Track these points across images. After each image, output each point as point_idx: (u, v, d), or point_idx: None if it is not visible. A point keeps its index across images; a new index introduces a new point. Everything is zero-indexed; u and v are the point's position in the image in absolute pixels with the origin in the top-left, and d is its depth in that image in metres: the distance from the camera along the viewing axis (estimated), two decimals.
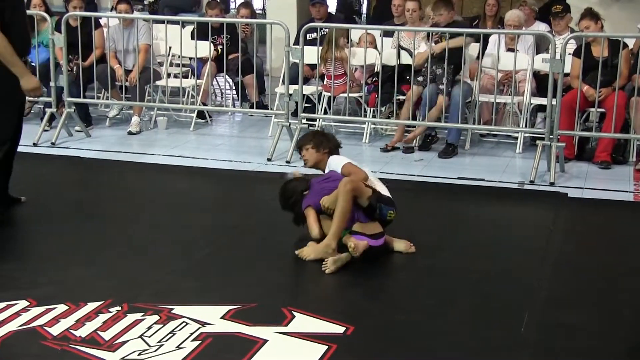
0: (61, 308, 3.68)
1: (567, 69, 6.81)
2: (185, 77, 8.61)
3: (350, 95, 7.69)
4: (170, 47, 8.44)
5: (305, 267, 4.34)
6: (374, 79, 7.54)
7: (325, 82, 7.89)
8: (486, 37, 7.74)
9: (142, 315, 3.61)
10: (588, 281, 4.22)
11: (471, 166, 6.82)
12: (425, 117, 7.13)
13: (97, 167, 6.62)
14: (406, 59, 7.56)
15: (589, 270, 4.39)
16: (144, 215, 5.26)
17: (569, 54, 6.98)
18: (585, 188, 6.14)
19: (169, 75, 8.51)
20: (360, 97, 7.81)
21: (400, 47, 7.67)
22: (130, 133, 7.88)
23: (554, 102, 6.48)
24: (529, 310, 3.79)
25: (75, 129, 7.86)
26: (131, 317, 3.59)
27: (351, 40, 7.84)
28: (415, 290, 4.11)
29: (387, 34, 8.06)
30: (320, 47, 7.56)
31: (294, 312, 3.68)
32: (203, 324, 3.55)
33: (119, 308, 3.68)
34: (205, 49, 7.99)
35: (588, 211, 5.59)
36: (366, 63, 7.46)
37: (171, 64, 8.89)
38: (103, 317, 3.59)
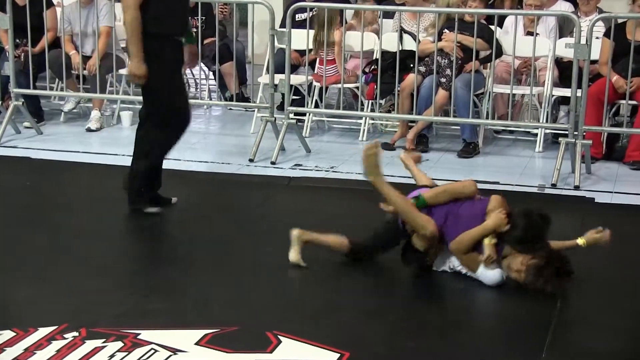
0: (7, 335, 3.64)
1: (594, 56, 6.82)
2: None
3: (345, 85, 7.69)
4: None
5: (294, 285, 4.34)
6: (373, 67, 7.54)
7: (316, 71, 7.88)
8: (502, 18, 7.77)
9: (103, 342, 3.59)
10: (619, 300, 4.23)
11: (484, 167, 6.83)
12: (421, 112, 7.15)
13: (50, 169, 6.60)
14: (409, 45, 7.57)
15: (620, 287, 4.39)
16: (105, 225, 5.24)
17: (597, 37, 6.99)
18: (615, 192, 6.16)
19: None
20: (357, 87, 7.81)
21: (402, 31, 7.68)
22: (89, 130, 7.86)
23: (578, 94, 6.50)
24: (551, 332, 3.79)
25: (24, 125, 7.83)
26: (90, 344, 3.56)
27: (346, 21, 7.85)
28: (419, 311, 4.11)
29: (388, 15, 8.07)
30: (311, 30, 7.55)
31: (280, 337, 3.66)
32: (175, 351, 3.53)
33: (75, 334, 3.66)
34: None
35: (618, 219, 5.58)
36: (363, 49, 7.46)
37: None
38: (57, 345, 3.56)
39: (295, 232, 4.60)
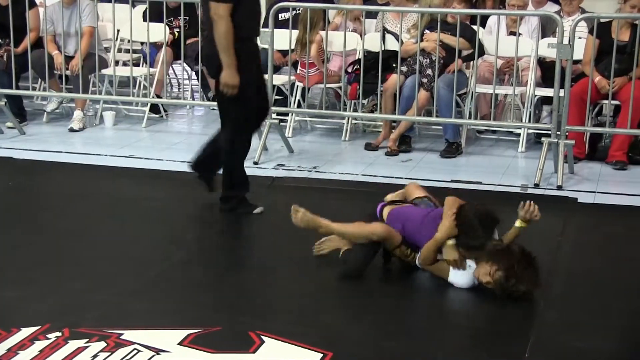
0: None
1: (577, 56, 6.86)
2: (137, 65, 8.59)
3: (328, 86, 7.70)
4: (118, 31, 8.41)
5: (277, 285, 4.34)
6: (355, 67, 7.56)
7: (298, 71, 7.89)
8: (485, 18, 7.80)
9: (86, 342, 3.58)
10: (602, 300, 4.25)
11: (467, 167, 6.85)
12: (404, 112, 7.17)
13: (33, 169, 6.58)
14: (392, 45, 7.59)
15: (603, 286, 4.41)
16: (88, 226, 5.23)
17: (579, 37, 7.03)
18: (598, 192, 6.20)
19: (117, 62, 8.48)
20: (339, 87, 7.82)
21: (385, 31, 7.70)
22: (72, 130, 7.84)
23: (561, 94, 6.53)
24: (534, 333, 3.81)
25: (6, 125, 7.80)
26: (73, 345, 3.55)
27: (329, 21, 7.85)
28: (403, 311, 4.12)
29: (370, 15, 8.09)
30: (294, 30, 7.56)
31: (262, 337, 3.66)
32: (158, 351, 3.53)
33: (58, 334, 3.65)
34: (159, 32, 7.97)
35: (601, 219, 5.63)
36: (346, 49, 7.47)
37: (120, 50, 8.86)
38: (40, 345, 3.55)
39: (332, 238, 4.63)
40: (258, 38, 5.63)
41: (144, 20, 8.12)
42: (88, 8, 7.92)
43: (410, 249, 4.47)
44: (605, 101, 7.00)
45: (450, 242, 4.29)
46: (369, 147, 7.31)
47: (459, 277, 4.28)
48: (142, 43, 8.47)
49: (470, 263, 4.28)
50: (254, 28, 5.45)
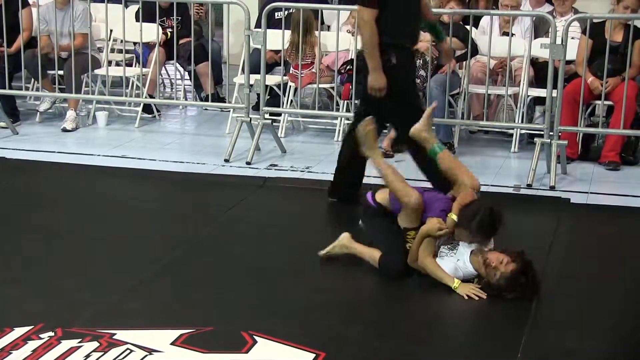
0: None
1: (570, 56, 6.88)
2: (129, 65, 8.58)
3: (321, 86, 7.71)
4: (111, 31, 8.40)
5: (270, 285, 4.35)
6: (348, 67, 7.56)
7: (291, 71, 7.90)
8: (478, 18, 7.81)
9: (79, 342, 3.58)
10: (594, 300, 4.26)
11: None
12: None
13: (26, 169, 6.57)
14: None
15: (595, 287, 4.43)
16: (80, 226, 5.23)
17: (572, 38, 7.05)
18: (591, 193, 6.21)
19: (110, 63, 8.47)
20: (332, 88, 7.83)
21: None
22: (64, 130, 7.83)
23: (554, 94, 6.55)
24: (526, 333, 3.82)
25: None
26: (66, 344, 3.56)
27: (322, 22, 7.86)
28: (396, 312, 4.13)
29: None
30: (286, 30, 7.56)
31: (255, 337, 3.67)
32: (150, 351, 3.54)
33: (51, 334, 3.65)
34: (152, 32, 7.96)
35: (594, 219, 5.65)
36: (339, 49, 7.48)
37: (112, 50, 8.85)
38: (32, 345, 3.55)
39: (344, 237, 4.64)
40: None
41: (137, 20, 8.10)
42: (82, 14, 7.91)
43: None
44: (598, 101, 7.02)
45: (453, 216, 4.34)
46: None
47: (443, 263, 4.29)
48: (134, 43, 8.46)
49: (463, 250, 4.30)
50: (407, 35, 5.41)
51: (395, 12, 5.25)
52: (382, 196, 4.62)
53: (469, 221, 4.29)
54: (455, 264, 4.28)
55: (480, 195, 4.58)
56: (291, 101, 7.96)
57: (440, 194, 4.59)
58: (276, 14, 7.82)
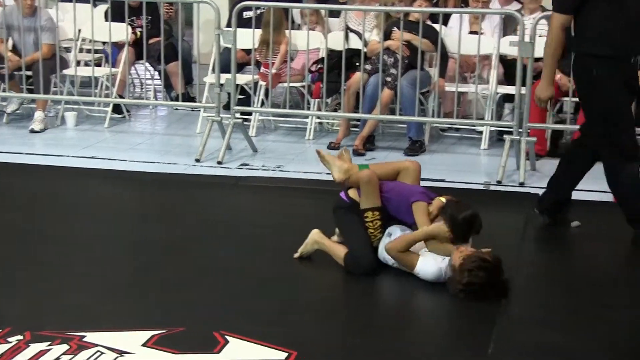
0: None
1: (538, 53, 6.90)
2: (98, 65, 8.52)
3: (291, 85, 7.70)
4: (79, 30, 8.33)
5: (242, 285, 4.33)
6: (319, 66, 7.56)
7: (261, 70, 7.88)
8: (447, 17, 7.84)
9: (48, 345, 3.55)
10: (564, 295, 4.29)
11: (430, 165, 6.86)
12: (368, 111, 7.19)
13: None
14: (355, 43, 7.60)
15: (565, 282, 4.46)
16: (50, 227, 5.18)
17: (540, 35, 7.08)
18: None
19: (78, 63, 8.40)
20: (303, 87, 7.82)
21: (348, 29, 7.71)
22: (32, 131, 7.76)
23: (523, 91, 6.58)
24: (496, 329, 3.83)
25: None
26: (35, 348, 3.53)
27: (292, 21, 7.84)
28: (367, 309, 4.13)
29: (333, 14, 8.09)
30: (257, 29, 7.55)
31: (227, 337, 3.66)
32: (121, 353, 3.51)
33: (19, 337, 3.61)
34: (121, 32, 7.91)
35: (563, 214, 5.67)
36: (309, 48, 7.48)
37: (81, 50, 8.79)
38: (0, 349, 3.51)
39: (314, 233, 4.65)
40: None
41: (106, 19, 8.06)
42: (48, 23, 7.85)
43: (381, 222, 4.48)
44: (566, 98, 7.06)
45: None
46: (330, 146, 7.31)
47: (428, 267, 4.28)
48: (103, 43, 8.40)
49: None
50: (618, 47, 4.68)
51: (606, 16, 4.65)
52: (354, 192, 4.62)
53: (456, 213, 4.33)
54: (439, 265, 4.26)
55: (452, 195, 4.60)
56: (262, 100, 7.94)
57: (411, 184, 4.64)
58: (246, 13, 7.80)
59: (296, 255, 4.65)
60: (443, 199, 4.44)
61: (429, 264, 4.28)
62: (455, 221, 4.33)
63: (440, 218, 4.40)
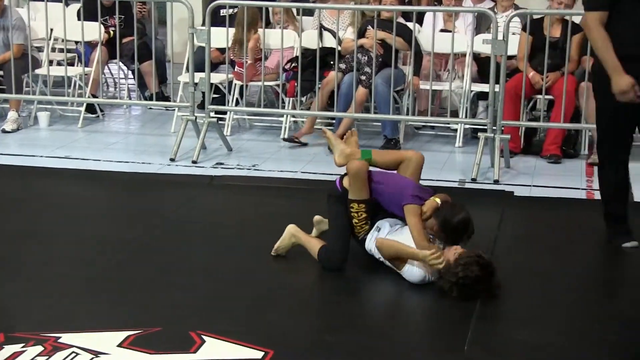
0: None
1: (511, 51, 6.95)
2: (71, 64, 8.47)
3: (266, 83, 7.69)
4: (51, 30, 8.28)
5: (218, 284, 4.32)
6: (293, 65, 7.56)
7: (236, 69, 7.87)
8: (421, 15, 7.86)
9: (22, 347, 3.52)
10: (539, 292, 4.31)
11: None
12: (343, 109, 7.20)
13: None
14: (329, 42, 7.60)
15: (540, 279, 4.47)
16: (24, 227, 5.15)
17: (513, 33, 7.12)
18: (534, 186, 6.28)
19: (50, 62, 8.35)
20: (278, 85, 7.82)
21: (322, 28, 7.71)
22: (4, 131, 7.70)
23: (496, 89, 6.61)
24: (472, 326, 3.84)
25: None
26: (9, 350, 3.49)
27: (268, 21, 7.85)
28: (344, 307, 4.13)
29: (308, 12, 8.08)
30: (231, 28, 7.53)
31: (203, 337, 3.65)
32: (96, 353, 3.49)
33: None
34: (94, 31, 7.87)
35: (537, 211, 5.71)
36: (283, 46, 7.47)
37: (53, 49, 8.73)
38: None
39: (290, 228, 4.64)
40: None
41: (78, 19, 8.01)
42: (18, 22, 7.78)
43: (366, 215, 4.47)
44: (539, 96, 7.10)
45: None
46: (288, 139, 7.32)
47: (415, 269, 4.26)
48: (76, 42, 8.35)
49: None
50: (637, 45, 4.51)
51: (629, 15, 4.48)
52: (347, 181, 4.60)
53: (450, 217, 4.33)
54: (425, 268, 4.25)
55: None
56: (237, 99, 7.92)
57: (406, 179, 4.61)
58: (221, 11, 7.78)
59: (273, 251, 4.64)
60: (438, 200, 4.42)
61: (415, 269, 4.27)
62: (448, 225, 4.32)
63: (434, 219, 4.39)
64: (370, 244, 4.47)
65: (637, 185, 5.82)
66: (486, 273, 4.13)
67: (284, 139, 7.38)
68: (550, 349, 3.68)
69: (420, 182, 4.68)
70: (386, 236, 4.41)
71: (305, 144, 7.30)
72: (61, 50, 8.53)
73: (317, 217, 4.84)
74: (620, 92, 4.49)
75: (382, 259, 4.41)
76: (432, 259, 4.16)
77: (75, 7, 8.50)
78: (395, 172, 4.69)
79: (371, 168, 4.59)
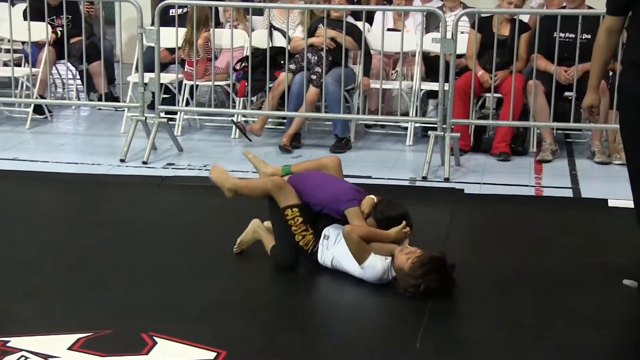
0: None
1: (460, 50, 7.01)
2: (18, 65, 8.37)
3: (216, 83, 7.66)
4: None
5: (169, 286, 4.29)
6: (243, 65, 7.54)
7: (186, 69, 7.83)
8: (370, 14, 7.89)
9: None
10: (490, 289, 4.34)
11: (357, 162, 6.91)
12: (295, 109, 7.21)
13: None
14: (279, 41, 7.60)
15: (491, 276, 4.51)
16: None
17: (462, 32, 7.19)
18: (483, 183, 6.34)
19: None
20: (228, 85, 7.79)
21: (272, 28, 7.71)
22: None
23: (446, 87, 6.66)
24: (424, 324, 3.87)
25: None
26: None
27: (218, 21, 7.83)
28: (295, 308, 4.13)
29: (258, 12, 8.07)
30: (180, 28, 7.49)
31: (155, 338, 3.63)
32: (46, 357, 3.46)
33: None
34: (41, 31, 7.78)
35: (487, 209, 5.76)
36: (233, 46, 7.45)
37: None
38: None
39: (253, 222, 4.65)
40: None
41: (25, 19, 7.92)
42: None
43: (302, 218, 4.44)
44: (488, 94, 7.17)
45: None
46: (236, 124, 7.35)
47: (376, 266, 4.25)
48: (23, 42, 8.25)
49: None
50: None
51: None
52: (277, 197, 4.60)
53: (387, 213, 4.39)
54: (384, 265, 4.26)
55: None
56: (187, 99, 7.89)
57: (336, 181, 4.64)
58: (170, 11, 7.74)
59: (235, 246, 4.64)
60: (373, 197, 4.46)
61: (378, 263, 4.27)
62: (386, 222, 4.36)
63: (372, 218, 4.42)
64: (322, 256, 4.44)
65: None
66: (446, 275, 4.16)
67: (232, 122, 7.37)
68: (501, 345, 3.72)
69: (370, 180, 4.70)
70: (335, 243, 4.41)
71: (250, 140, 7.30)
72: (7, 51, 8.42)
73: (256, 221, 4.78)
74: (587, 107, 4.50)
75: (336, 265, 4.40)
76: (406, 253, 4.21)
77: (22, 7, 8.38)
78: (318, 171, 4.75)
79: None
